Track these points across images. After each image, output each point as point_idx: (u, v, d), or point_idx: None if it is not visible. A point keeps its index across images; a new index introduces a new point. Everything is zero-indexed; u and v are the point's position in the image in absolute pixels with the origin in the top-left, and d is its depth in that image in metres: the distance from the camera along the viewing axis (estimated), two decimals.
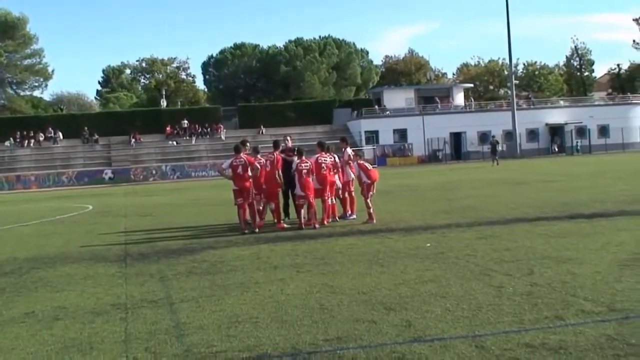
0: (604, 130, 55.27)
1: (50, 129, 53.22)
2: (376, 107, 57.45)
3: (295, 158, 12.26)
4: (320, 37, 74.53)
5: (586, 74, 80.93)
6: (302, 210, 12.00)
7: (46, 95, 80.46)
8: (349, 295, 6.17)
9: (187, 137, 54.31)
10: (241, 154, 11.95)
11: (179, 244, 10.71)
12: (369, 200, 12.29)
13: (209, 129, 55.19)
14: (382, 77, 78.55)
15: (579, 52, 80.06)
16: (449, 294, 5.97)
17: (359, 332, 4.91)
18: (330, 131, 53.70)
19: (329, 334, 4.92)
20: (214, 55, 75.88)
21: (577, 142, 54.45)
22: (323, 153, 12.34)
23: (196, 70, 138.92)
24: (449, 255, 8.11)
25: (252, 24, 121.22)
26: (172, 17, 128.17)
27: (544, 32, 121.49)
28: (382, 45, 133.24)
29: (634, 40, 75.47)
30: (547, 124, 55.97)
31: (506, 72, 70.79)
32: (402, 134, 54.24)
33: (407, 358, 4.29)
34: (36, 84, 70.91)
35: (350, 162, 12.83)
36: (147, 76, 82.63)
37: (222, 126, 55.46)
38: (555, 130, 56.10)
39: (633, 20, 74.85)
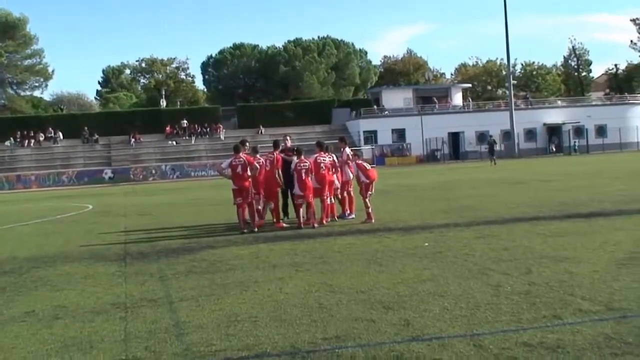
0: (601, 130, 55.41)
1: (50, 128, 53.45)
2: (375, 107, 57.55)
3: (295, 158, 12.29)
4: (319, 37, 74.84)
5: (584, 74, 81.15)
6: (301, 210, 12.03)
7: (46, 95, 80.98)
8: (348, 294, 6.19)
9: (187, 137, 54.45)
10: (240, 154, 11.98)
11: (178, 243, 10.72)
12: (367, 200, 12.32)
13: (208, 129, 55.34)
14: (381, 77, 78.65)
15: (577, 52, 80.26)
16: (447, 293, 5.98)
17: (358, 331, 4.91)
18: (329, 131, 53.80)
19: (327, 332, 4.93)
20: (213, 55, 76.10)
21: (574, 142, 54.59)
22: (322, 153, 12.37)
23: (195, 71, 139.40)
24: (447, 254, 8.12)
25: (251, 24, 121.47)
26: (171, 17, 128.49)
27: (541, 33, 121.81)
28: (380, 46, 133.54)
29: (631, 41, 75.87)
30: (544, 124, 56.07)
31: (504, 72, 70.84)
32: (400, 133, 54.32)
33: (405, 357, 4.29)
34: (36, 84, 71.24)
35: (349, 161, 12.86)
36: (147, 76, 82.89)
37: (221, 126, 55.62)
38: (553, 130, 56.21)
39: (630, 20, 75.24)
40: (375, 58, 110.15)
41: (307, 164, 12.02)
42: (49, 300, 6.79)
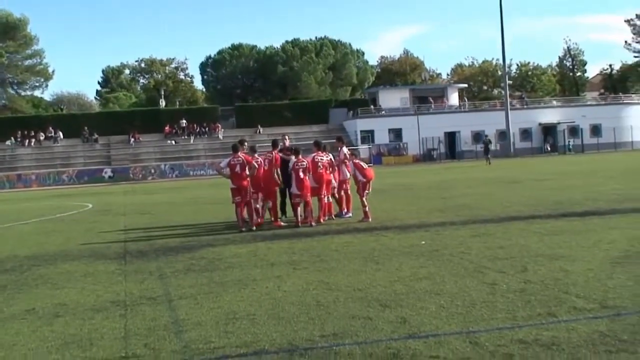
0: (596, 130, 55.60)
1: (50, 128, 53.68)
2: (372, 107, 57.63)
3: (293, 157, 12.33)
4: (316, 37, 75.06)
5: (579, 74, 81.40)
6: (299, 209, 12.07)
7: (47, 95, 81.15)
8: (345, 292, 6.22)
9: (186, 137, 54.60)
10: (239, 153, 12.03)
11: (177, 242, 10.75)
12: (364, 199, 12.37)
13: (207, 129, 55.50)
14: (378, 78, 78.75)
15: (572, 52, 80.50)
16: (443, 291, 6.02)
17: (355, 329, 4.94)
18: (326, 130, 53.92)
19: (325, 330, 4.95)
20: (212, 55, 76.29)
21: (569, 141, 54.79)
22: (319, 152, 12.42)
23: (194, 71, 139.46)
24: (444, 252, 8.16)
25: (250, 25, 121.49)
26: (170, 18, 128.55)
27: (537, 33, 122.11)
28: (377, 46, 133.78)
29: (625, 41, 76.09)
30: (540, 124, 56.22)
31: (500, 73, 70.99)
32: (397, 133, 54.42)
33: (402, 354, 4.31)
34: (37, 84, 71.39)
35: (346, 161, 12.90)
36: (146, 76, 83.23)
37: (220, 126, 55.79)
38: (548, 130, 56.38)
39: (625, 21, 75.44)
40: (372, 58, 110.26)
41: (304, 163, 12.06)
42: (49, 298, 6.82)
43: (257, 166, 12.03)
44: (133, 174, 47.35)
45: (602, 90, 77.38)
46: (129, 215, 17.12)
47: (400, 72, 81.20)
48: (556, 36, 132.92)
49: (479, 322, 4.96)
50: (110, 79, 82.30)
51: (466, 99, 64.34)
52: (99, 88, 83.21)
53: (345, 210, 13.01)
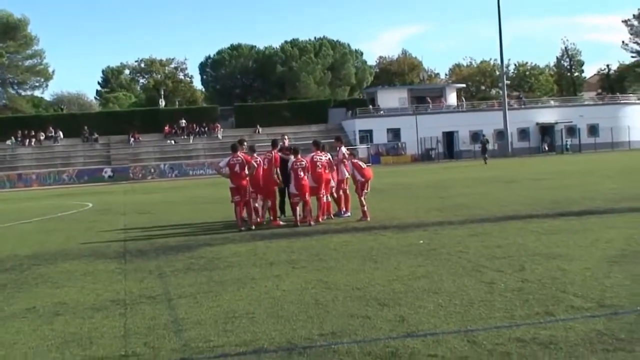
0: (593, 130, 55.74)
1: (50, 128, 53.89)
2: (370, 106, 57.72)
3: (292, 157, 12.36)
4: (315, 38, 75.17)
5: (576, 74, 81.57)
6: (298, 208, 12.10)
7: (47, 95, 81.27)
8: (344, 291, 6.24)
9: (185, 136, 54.74)
10: (238, 153, 12.06)
11: (177, 241, 10.77)
12: (363, 198, 12.39)
13: (206, 129, 55.65)
14: (376, 78, 78.83)
15: (569, 53, 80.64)
16: (441, 290, 6.04)
17: (354, 327, 4.96)
18: (325, 130, 54.03)
19: (324, 328, 4.97)
20: (211, 55, 76.46)
21: (567, 141, 54.91)
22: (318, 152, 12.46)
23: (194, 71, 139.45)
24: (442, 252, 8.19)
25: (249, 25, 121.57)
26: (170, 18, 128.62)
27: (535, 34, 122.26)
28: (376, 46, 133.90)
29: (623, 42, 76.24)
30: (537, 124, 56.32)
31: (498, 73, 71.10)
32: (395, 133, 54.51)
33: (400, 352, 4.33)
34: (37, 84, 71.63)
35: (344, 160, 12.93)
36: (146, 76, 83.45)
37: (219, 125, 55.97)
38: (546, 130, 56.48)
39: (622, 22, 75.56)
40: (371, 58, 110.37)
41: (303, 163, 12.09)
42: (49, 297, 6.84)
43: (256, 166, 12.07)
44: (133, 174, 47.48)
45: (599, 91, 77.53)
46: (128, 214, 17.16)
47: (399, 72, 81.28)
48: (554, 36, 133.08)
49: (477, 321, 4.97)
50: (110, 79, 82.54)
51: (464, 99, 64.39)
52: (99, 88, 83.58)
53: (344, 209, 13.03)
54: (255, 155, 12.50)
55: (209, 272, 7.67)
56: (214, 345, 4.72)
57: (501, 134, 53.28)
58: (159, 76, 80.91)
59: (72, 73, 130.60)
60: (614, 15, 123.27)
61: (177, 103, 74.49)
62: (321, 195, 12.32)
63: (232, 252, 9.15)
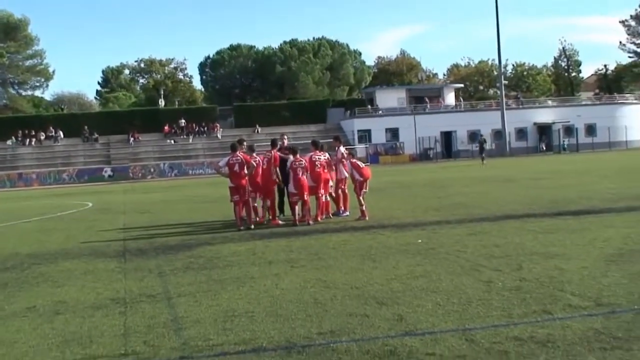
0: (590, 129, 55.89)
1: (51, 128, 54.07)
2: (369, 106, 57.80)
3: (291, 156, 12.39)
4: (314, 38, 75.31)
5: (574, 74, 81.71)
6: (297, 207, 12.13)
7: (47, 95, 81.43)
8: (342, 289, 6.26)
9: (185, 136, 54.87)
10: (237, 153, 12.10)
11: (176, 240, 10.80)
12: (361, 198, 12.42)
13: (205, 128, 55.79)
14: (375, 78, 78.95)
15: (567, 53, 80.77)
16: (439, 289, 6.06)
17: (352, 326, 4.98)
18: (324, 130, 54.11)
19: (322, 327, 4.99)
20: (211, 56, 76.65)
21: (564, 140, 55.01)
22: (317, 151, 12.49)
23: (193, 71, 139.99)
24: (440, 251, 8.22)
25: (248, 25, 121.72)
26: (170, 18, 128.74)
27: (532, 34, 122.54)
28: (374, 47, 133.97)
29: (620, 42, 76.40)
30: (535, 123, 56.42)
31: (495, 73, 71.10)
32: (394, 132, 54.59)
33: (398, 351, 4.34)
34: (37, 84, 71.86)
35: (343, 160, 12.96)
36: (146, 76, 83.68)
37: (218, 125, 56.14)
38: (544, 129, 56.58)
39: (619, 22, 75.70)
40: (369, 59, 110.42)
41: (302, 162, 12.12)
42: (49, 295, 6.86)
43: (255, 165, 12.10)
44: (132, 173, 47.59)
45: (596, 91, 77.67)
46: (128, 213, 17.19)
47: (397, 72, 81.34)
48: (552, 37, 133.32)
49: (474, 320, 4.99)
50: (110, 79, 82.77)
51: (462, 99, 64.46)
52: (99, 88, 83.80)
53: (343, 208, 13.06)
54: (254, 154, 12.53)
55: (208, 271, 7.69)
56: (213, 344, 4.73)
57: (499, 134, 53.37)
58: (159, 76, 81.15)
59: (72, 73, 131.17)
60: (611, 16, 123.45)
61: (176, 103, 74.67)
62: (320, 195, 12.35)
63: (231, 251, 9.17)
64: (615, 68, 79.37)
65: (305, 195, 12.04)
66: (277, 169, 12.41)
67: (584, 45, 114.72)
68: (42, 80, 71.02)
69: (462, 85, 70.33)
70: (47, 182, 46.04)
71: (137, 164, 49.38)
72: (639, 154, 40.25)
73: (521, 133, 55.86)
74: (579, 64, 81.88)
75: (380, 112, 56.02)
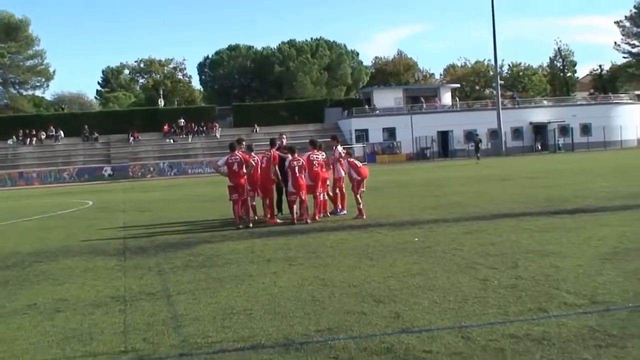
0: (586, 129, 56.12)
1: (51, 127, 54.31)
2: (366, 106, 57.96)
3: (289, 156, 12.44)
4: (312, 38, 75.65)
5: (569, 74, 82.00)
6: (295, 206, 12.17)
7: (48, 94, 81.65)
8: (340, 287, 6.29)
9: (184, 136, 55.06)
10: (236, 152, 12.14)
11: (176, 238, 10.83)
12: (359, 197, 12.46)
13: (204, 128, 56.01)
14: (372, 78, 79.13)
15: (562, 53, 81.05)
16: (436, 287, 6.09)
17: (350, 323, 5.00)
18: (321, 130, 54.22)
19: (320, 325, 5.02)
20: (210, 56, 76.86)
21: (559, 140, 55.23)
22: (315, 151, 12.54)
23: (192, 71, 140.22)
24: (436, 249, 8.25)
25: (247, 26, 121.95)
26: (169, 19, 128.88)
27: (528, 34, 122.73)
28: (372, 47, 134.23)
29: (615, 42, 76.67)
30: (531, 123, 56.61)
31: (492, 73, 71.29)
32: (391, 132, 54.72)
33: (395, 348, 4.37)
34: (38, 84, 72.07)
35: (340, 159, 13.00)
36: (145, 76, 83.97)
37: (217, 125, 56.38)
38: (539, 129, 56.77)
39: (614, 22, 75.92)
40: (367, 59, 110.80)
41: (300, 162, 12.16)
42: (50, 293, 6.88)
43: (254, 164, 12.15)
44: (132, 172, 47.75)
45: (592, 91, 77.95)
46: (128, 212, 17.21)
47: (394, 72, 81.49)
48: (547, 37, 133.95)
49: (471, 317, 5.02)
50: (110, 79, 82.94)
51: (458, 99, 64.63)
52: (99, 88, 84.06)
53: (340, 207, 13.10)
54: (253, 154, 12.57)
55: (207, 269, 7.72)
56: (212, 341, 4.75)
57: (495, 134, 53.51)
58: (158, 76, 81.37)
59: (73, 73, 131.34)
60: (606, 17, 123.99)
61: (176, 103, 74.84)
62: (318, 194, 12.39)
63: (230, 250, 9.19)
64: (610, 68, 79.69)
65: (303, 194, 12.08)
66: (277, 168, 12.46)
67: (579, 46, 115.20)
68: (43, 80, 71.25)
69: (458, 85, 70.59)
70: (47, 181, 46.17)
71: (137, 163, 49.55)
72: (633, 154, 40.45)
73: (517, 133, 56.05)
74: (574, 64, 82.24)
75: (377, 111, 56.15)
